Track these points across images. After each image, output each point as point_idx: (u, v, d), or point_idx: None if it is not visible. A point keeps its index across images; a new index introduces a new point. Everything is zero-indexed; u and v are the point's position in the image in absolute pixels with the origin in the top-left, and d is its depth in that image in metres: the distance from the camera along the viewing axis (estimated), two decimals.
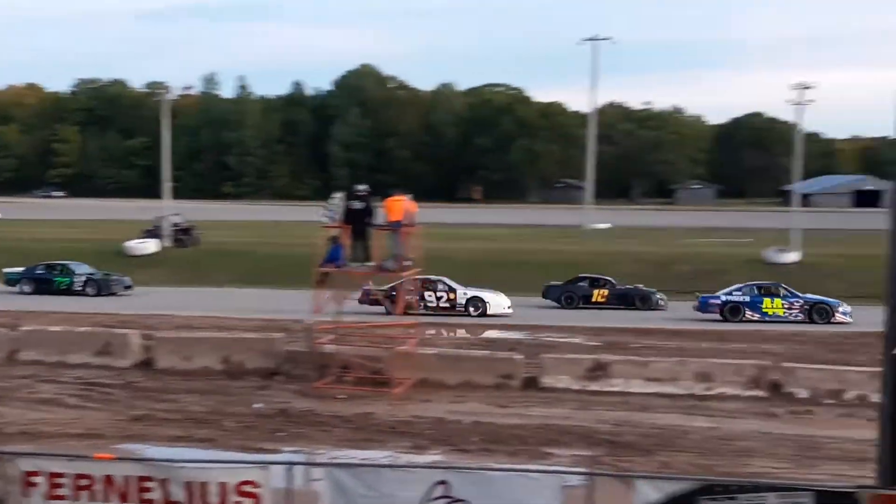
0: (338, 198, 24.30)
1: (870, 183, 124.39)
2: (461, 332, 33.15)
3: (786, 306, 37.35)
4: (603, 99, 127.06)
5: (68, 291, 43.04)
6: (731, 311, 37.38)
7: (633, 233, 70.39)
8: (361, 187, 24.44)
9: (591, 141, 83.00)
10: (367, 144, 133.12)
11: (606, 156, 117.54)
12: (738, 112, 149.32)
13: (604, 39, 78.48)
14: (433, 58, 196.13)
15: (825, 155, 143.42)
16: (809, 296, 37.93)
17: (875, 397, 13.94)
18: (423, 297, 37.48)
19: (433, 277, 38.49)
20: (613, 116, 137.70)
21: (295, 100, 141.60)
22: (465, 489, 10.58)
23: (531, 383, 23.82)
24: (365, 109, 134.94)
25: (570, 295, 40.89)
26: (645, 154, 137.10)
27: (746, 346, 29.98)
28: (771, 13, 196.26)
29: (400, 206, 24.13)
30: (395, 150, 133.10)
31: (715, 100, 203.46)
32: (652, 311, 39.49)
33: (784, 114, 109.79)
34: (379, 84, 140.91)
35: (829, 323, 36.55)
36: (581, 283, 41.32)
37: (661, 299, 40.43)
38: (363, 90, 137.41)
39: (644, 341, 30.59)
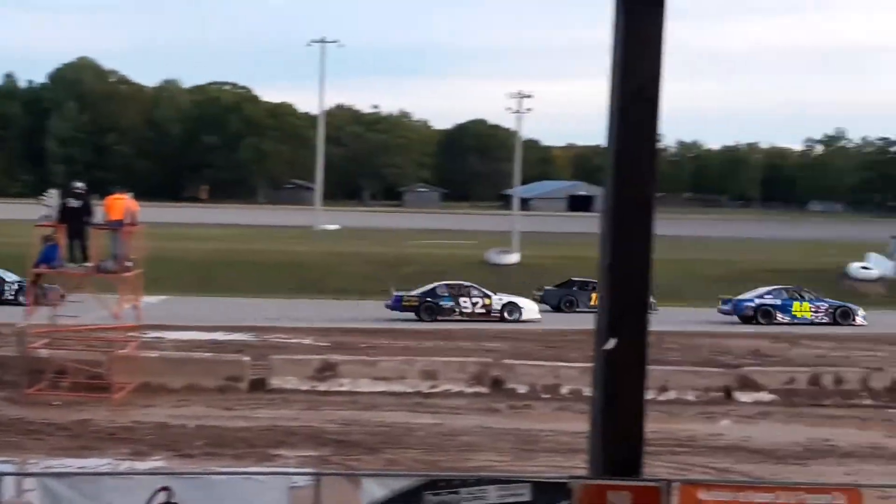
0: (52, 195, 23.20)
1: (583, 188, 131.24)
2: (190, 335, 32.29)
3: (813, 309, 39.15)
4: (332, 101, 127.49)
5: None
6: (764, 315, 38.59)
7: (362, 234, 71.03)
8: (79, 184, 23.45)
9: (320, 142, 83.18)
10: (86, 140, 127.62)
11: (335, 157, 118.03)
12: (463, 118, 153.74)
13: (332, 42, 79.00)
14: (156, 53, 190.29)
15: (543, 161, 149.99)
16: (833, 301, 40.05)
17: (587, 391, 14.68)
18: (458, 304, 37.61)
19: (465, 283, 39.07)
20: (342, 119, 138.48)
21: (6, 92, 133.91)
22: (188, 494, 10.32)
23: (259, 385, 23.57)
24: (83, 104, 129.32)
25: (571, 299, 41.33)
26: (373, 157, 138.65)
27: (471, 344, 30.87)
28: (493, 23, 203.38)
29: (121, 204, 23.30)
30: (115, 147, 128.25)
31: (440, 106, 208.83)
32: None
33: (505, 121, 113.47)
34: (98, 78, 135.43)
35: (851, 325, 38.58)
36: (574, 288, 41.98)
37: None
38: (81, 84, 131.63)
39: (372, 341, 30.92)
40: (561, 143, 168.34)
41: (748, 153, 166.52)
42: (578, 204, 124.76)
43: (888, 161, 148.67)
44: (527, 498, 10.35)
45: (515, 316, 38.15)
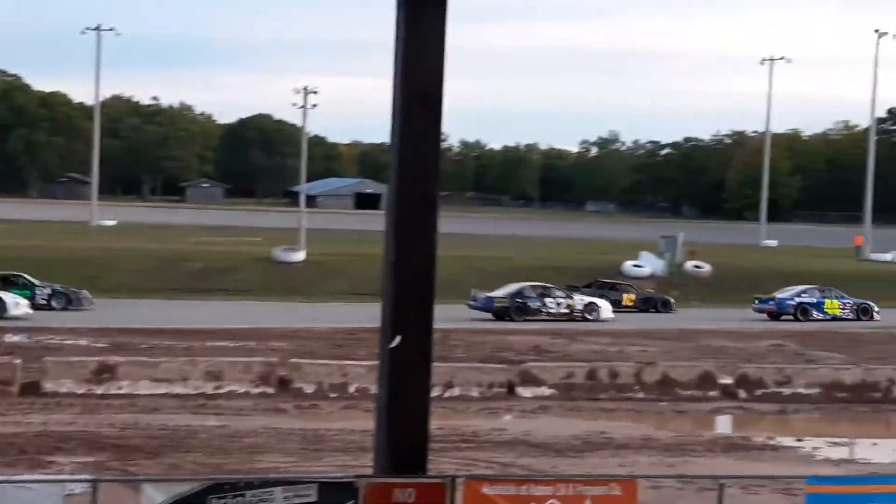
0: None
1: (369, 186, 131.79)
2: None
3: (841, 307, 42.49)
4: (109, 91, 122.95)
5: None
6: (803, 312, 41.95)
7: (142, 230, 68.92)
8: None
9: (96, 134, 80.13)
10: None
11: (113, 150, 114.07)
12: (248, 113, 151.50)
13: (108, 30, 76.10)
14: None
15: (329, 158, 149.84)
16: (856, 299, 43.09)
17: (374, 389, 14.74)
18: (544, 304, 39.28)
19: (548, 285, 40.43)
20: (120, 110, 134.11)
21: None
22: None
23: (31, 388, 22.51)
24: None
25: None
26: (153, 150, 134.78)
27: (256, 343, 30.44)
28: (280, 16, 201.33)
29: None
30: None
31: (225, 99, 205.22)
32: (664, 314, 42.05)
33: (291, 116, 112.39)
34: None
35: (871, 320, 41.69)
36: (604, 289, 43.24)
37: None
38: None
39: (153, 341, 30.03)
40: (347, 139, 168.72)
41: (528, 154, 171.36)
42: (365, 201, 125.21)
43: (658, 164, 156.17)
44: (313, 498, 10.29)
45: (594, 315, 39.47)
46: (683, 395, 24.74)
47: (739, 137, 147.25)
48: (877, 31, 73.72)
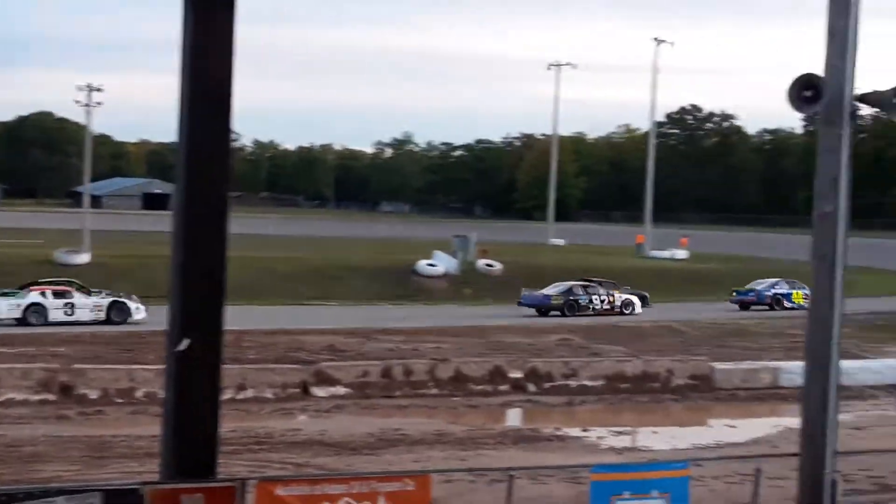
0: None
1: (158, 186, 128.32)
2: None
3: (805, 297, 42.78)
4: None
5: None
6: (777, 302, 45.56)
7: None
8: None
9: None
10: None
11: None
12: (26, 110, 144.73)
13: None
14: None
15: (115, 157, 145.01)
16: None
17: (162, 393, 14.34)
18: (591, 300, 42.38)
19: (593, 283, 43.57)
20: None
21: None
22: None
23: None
24: None
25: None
26: None
27: (36, 349, 29.12)
28: (61, 9, 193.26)
29: None
30: None
31: (1, 97, 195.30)
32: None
33: (74, 114, 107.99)
34: None
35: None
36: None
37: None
38: None
39: None
40: (135, 138, 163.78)
41: (322, 154, 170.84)
42: (153, 202, 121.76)
43: (451, 165, 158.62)
44: None
45: (630, 310, 42.53)
46: (475, 390, 25.22)
47: (528, 140, 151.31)
48: (655, 38, 77.27)
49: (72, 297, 36.58)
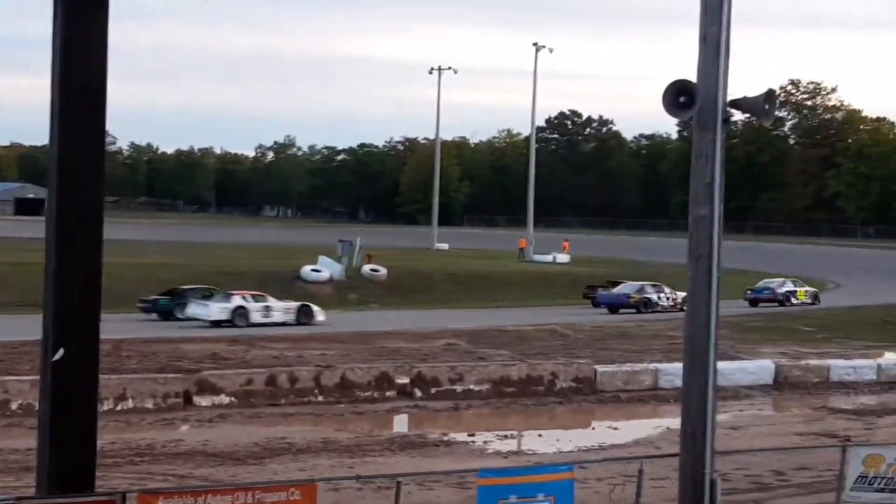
0: None
1: (30, 191, 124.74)
2: None
3: (805, 294, 50.73)
4: None
5: None
6: (787, 299, 49.80)
7: None
8: None
9: None
10: None
11: None
12: None
13: None
14: None
15: None
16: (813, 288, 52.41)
17: (38, 405, 13.87)
18: (660, 299, 46.01)
19: (657, 283, 47.38)
20: None
21: None
22: None
23: None
24: None
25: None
26: None
27: None
28: None
29: None
30: None
31: None
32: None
33: None
34: None
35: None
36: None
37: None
38: None
39: None
40: (6, 141, 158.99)
41: (203, 158, 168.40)
42: (26, 207, 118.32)
43: (334, 169, 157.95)
44: None
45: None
46: (362, 396, 25.05)
47: (411, 144, 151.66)
48: (535, 44, 78.31)
49: (267, 300, 40.12)
